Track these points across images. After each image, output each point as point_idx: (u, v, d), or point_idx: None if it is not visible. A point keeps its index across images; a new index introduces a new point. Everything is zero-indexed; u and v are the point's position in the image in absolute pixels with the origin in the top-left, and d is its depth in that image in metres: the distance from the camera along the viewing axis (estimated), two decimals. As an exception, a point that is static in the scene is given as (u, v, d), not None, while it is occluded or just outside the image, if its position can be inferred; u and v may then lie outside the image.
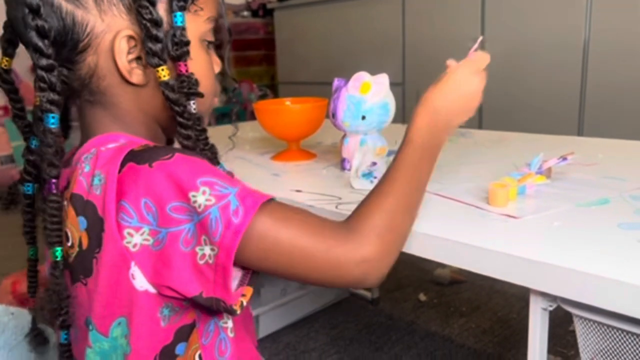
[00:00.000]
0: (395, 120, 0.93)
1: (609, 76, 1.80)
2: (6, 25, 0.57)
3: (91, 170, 0.51)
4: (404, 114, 2.38)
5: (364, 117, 0.88)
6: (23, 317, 0.83)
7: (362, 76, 0.87)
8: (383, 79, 0.87)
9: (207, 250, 0.49)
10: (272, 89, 3.40)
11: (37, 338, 0.69)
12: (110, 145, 0.54)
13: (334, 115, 0.91)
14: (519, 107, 2.02)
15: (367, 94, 0.87)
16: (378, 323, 1.53)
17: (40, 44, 0.50)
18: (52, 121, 0.51)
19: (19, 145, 3.10)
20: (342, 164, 0.96)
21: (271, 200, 0.52)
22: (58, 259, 0.53)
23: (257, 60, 3.51)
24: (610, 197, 0.73)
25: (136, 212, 0.48)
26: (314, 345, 1.43)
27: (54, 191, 0.52)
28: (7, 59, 0.59)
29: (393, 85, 0.89)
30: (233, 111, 2.85)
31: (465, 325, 1.50)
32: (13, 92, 0.60)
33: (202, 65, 0.59)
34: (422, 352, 1.38)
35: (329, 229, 0.53)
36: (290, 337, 1.47)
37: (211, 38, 0.60)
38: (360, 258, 0.52)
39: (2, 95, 0.61)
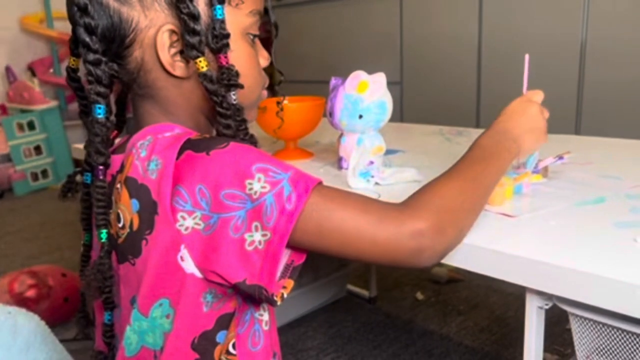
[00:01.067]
0: (392, 120, 0.93)
1: (606, 75, 1.80)
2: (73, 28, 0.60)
3: (148, 155, 0.54)
4: (401, 113, 2.38)
5: (361, 116, 0.88)
6: (20, 316, 0.83)
7: (359, 75, 0.87)
8: (380, 78, 0.87)
9: (258, 236, 0.50)
10: (270, 88, 3.40)
11: (82, 320, 0.72)
12: (167, 134, 0.56)
13: (331, 114, 0.91)
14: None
15: (365, 93, 0.87)
16: (376, 321, 1.53)
17: (87, 39, 0.54)
18: (99, 112, 0.55)
19: (16, 145, 3.10)
20: (339, 162, 0.97)
21: (320, 183, 0.53)
22: (103, 240, 0.56)
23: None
24: (606, 195, 0.74)
25: (190, 197, 0.51)
26: (312, 344, 1.44)
27: (101, 177, 0.56)
28: (74, 58, 0.62)
29: (391, 84, 0.89)
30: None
31: (463, 324, 1.50)
32: (80, 90, 0.63)
33: (245, 58, 0.61)
34: (420, 350, 1.38)
35: (379, 206, 0.54)
36: (288, 336, 1.47)
37: (256, 31, 0.63)
38: (413, 230, 0.52)
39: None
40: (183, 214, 0.51)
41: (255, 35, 0.63)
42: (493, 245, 0.59)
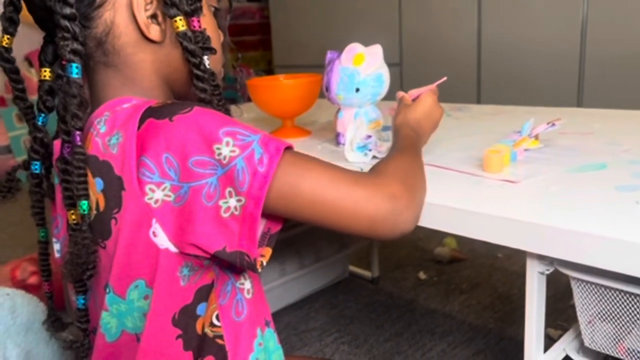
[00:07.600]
0: (393, 100, 0.92)
1: (607, 49, 1.78)
2: (7, 3, 0.56)
3: (108, 130, 0.51)
4: (401, 93, 2.36)
5: (357, 90, 0.86)
6: (18, 297, 0.83)
7: (355, 48, 0.86)
8: (377, 50, 0.86)
9: (233, 202, 0.48)
10: (269, 74, 3.38)
11: (55, 323, 0.69)
12: (125, 105, 0.54)
13: (327, 89, 0.90)
14: (518, 81, 2.01)
15: (361, 66, 0.85)
16: (378, 302, 1.53)
17: None
18: (76, 71, 0.51)
19: (16, 135, 3.09)
20: (337, 138, 0.95)
21: (291, 147, 0.52)
22: (85, 212, 0.51)
23: (254, 45, 3.48)
24: (607, 162, 0.73)
25: (157, 168, 0.48)
26: (315, 324, 1.44)
27: (79, 143, 0.51)
28: (8, 37, 0.57)
29: (390, 65, 0.88)
30: (238, 81, 2.85)
31: (466, 302, 1.50)
32: (14, 72, 0.59)
33: (211, 26, 0.61)
34: (423, 329, 1.38)
35: (351, 171, 0.54)
36: (291, 317, 1.47)
37: (215, 4, 0.62)
38: (389, 192, 0.52)
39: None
40: (151, 186, 0.48)
41: (216, 8, 0.62)
42: (493, 211, 0.58)
